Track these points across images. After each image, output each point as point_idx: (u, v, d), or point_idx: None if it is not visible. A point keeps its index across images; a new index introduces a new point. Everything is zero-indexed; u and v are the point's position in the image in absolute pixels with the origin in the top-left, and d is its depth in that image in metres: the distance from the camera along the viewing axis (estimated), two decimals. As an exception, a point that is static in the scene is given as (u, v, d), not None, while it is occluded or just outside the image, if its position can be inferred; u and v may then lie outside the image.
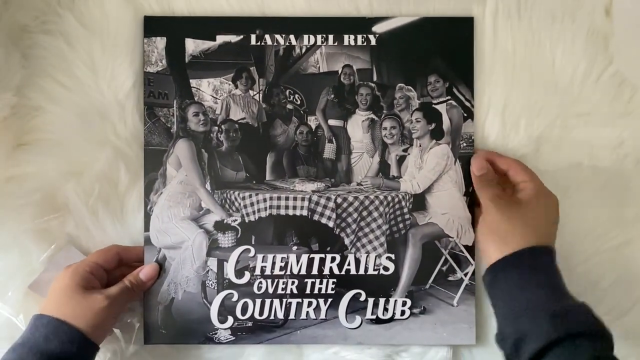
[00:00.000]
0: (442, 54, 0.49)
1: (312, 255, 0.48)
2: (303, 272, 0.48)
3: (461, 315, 0.48)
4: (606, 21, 0.49)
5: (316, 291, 0.48)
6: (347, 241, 0.49)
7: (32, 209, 0.48)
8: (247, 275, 0.48)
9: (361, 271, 0.48)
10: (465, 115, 0.49)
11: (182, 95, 0.49)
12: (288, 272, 0.48)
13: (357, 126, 0.53)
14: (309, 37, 0.48)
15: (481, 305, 0.48)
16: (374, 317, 0.48)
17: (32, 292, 0.47)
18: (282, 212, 0.50)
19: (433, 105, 0.51)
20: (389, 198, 0.49)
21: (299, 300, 0.48)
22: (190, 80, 0.49)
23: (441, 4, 0.49)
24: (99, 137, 0.48)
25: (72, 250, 0.48)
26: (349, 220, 0.49)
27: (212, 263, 0.49)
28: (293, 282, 0.48)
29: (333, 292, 0.48)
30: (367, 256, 0.48)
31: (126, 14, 0.48)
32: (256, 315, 0.48)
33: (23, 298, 0.47)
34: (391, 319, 0.49)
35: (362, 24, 0.49)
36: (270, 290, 0.48)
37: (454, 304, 0.49)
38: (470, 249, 0.48)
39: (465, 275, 0.49)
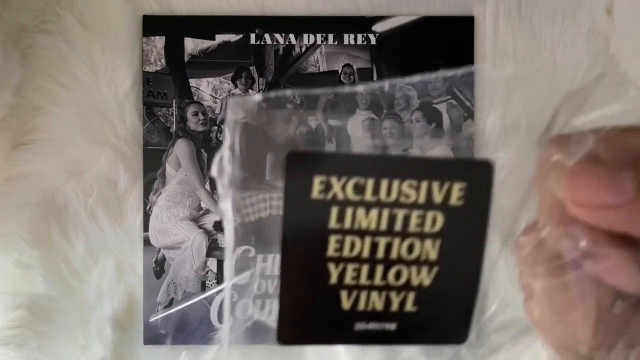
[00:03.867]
0: (442, 53, 0.49)
1: (312, 256, 0.48)
2: (303, 272, 0.48)
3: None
4: (607, 21, 0.49)
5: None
6: (347, 241, 0.49)
7: (32, 210, 0.48)
8: (247, 275, 0.48)
9: (361, 271, 0.48)
10: (465, 115, 0.49)
11: (181, 95, 0.49)
12: (288, 273, 0.48)
13: (357, 126, 0.53)
14: (308, 36, 0.48)
15: (482, 303, 0.48)
16: (374, 317, 0.48)
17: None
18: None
19: (433, 105, 0.50)
20: (390, 198, 0.49)
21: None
22: (190, 80, 0.49)
23: (441, 4, 0.49)
24: (99, 137, 0.48)
25: None
26: (349, 220, 0.49)
27: (212, 263, 0.49)
28: (293, 283, 0.48)
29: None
30: (368, 256, 0.48)
31: (125, 13, 0.48)
32: (256, 316, 0.48)
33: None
34: (391, 319, 0.48)
35: (362, 23, 0.48)
36: (271, 291, 0.48)
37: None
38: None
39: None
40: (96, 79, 0.48)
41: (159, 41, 0.48)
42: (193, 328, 0.48)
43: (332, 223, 0.20)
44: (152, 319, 0.48)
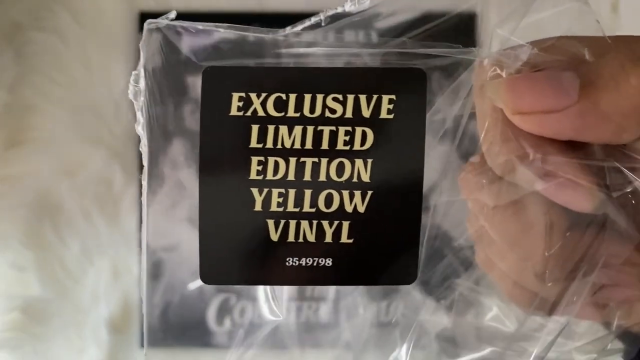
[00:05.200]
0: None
1: (312, 257, 0.47)
2: (303, 274, 0.47)
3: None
4: (613, 18, 0.48)
5: (316, 294, 0.47)
6: (347, 242, 0.48)
7: (26, 210, 0.47)
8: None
9: (362, 273, 0.47)
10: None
11: (178, 93, 0.48)
12: (287, 274, 0.47)
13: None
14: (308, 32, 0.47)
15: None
16: (376, 321, 0.48)
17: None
18: (281, 212, 0.49)
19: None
20: (391, 198, 0.48)
21: (299, 302, 0.47)
22: (187, 77, 0.48)
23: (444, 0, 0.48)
24: (94, 136, 0.47)
25: None
26: (350, 221, 0.48)
27: (210, 265, 0.48)
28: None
29: (334, 295, 0.48)
30: (369, 258, 0.47)
31: (121, 9, 0.47)
32: (255, 319, 0.47)
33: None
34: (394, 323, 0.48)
35: (363, 20, 0.48)
36: (270, 293, 0.47)
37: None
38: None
39: (469, 277, 0.48)
40: (91, 76, 0.47)
41: (156, 38, 0.47)
42: (190, 331, 0.48)
43: (253, 142, 0.19)
44: (149, 322, 0.47)
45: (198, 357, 0.48)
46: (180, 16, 0.51)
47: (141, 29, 0.51)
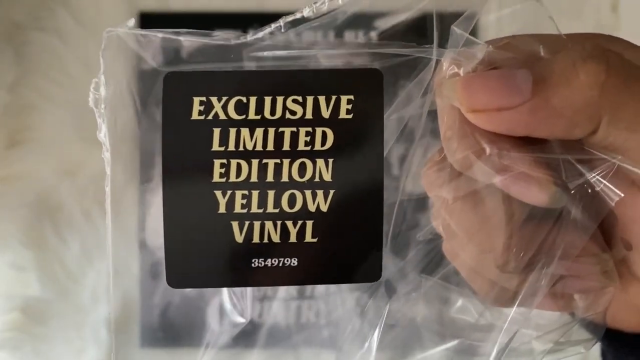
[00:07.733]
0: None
1: (312, 257, 0.47)
2: (303, 274, 0.47)
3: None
4: (613, 17, 0.48)
5: (317, 293, 0.47)
6: (347, 242, 0.48)
7: (26, 210, 0.47)
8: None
9: (362, 273, 0.47)
10: (468, 113, 0.48)
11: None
12: (287, 274, 0.47)
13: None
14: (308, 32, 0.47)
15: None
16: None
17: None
18: (281, 212, 0.49)
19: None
20: (391, 198, 0.48)
21: (300, 302, 0.47)
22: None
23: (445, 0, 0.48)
24: (94, 136, 0.47)
25: None
26: (350, 221, 0.48)
27: (210, 265, 0.48)
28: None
29: (335, 294, 0.48)
30: (369, 258, 0.47)
31: (121, 9, 0.47)
32: (255, 319, 0.47)
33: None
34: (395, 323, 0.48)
35: (363, 20, 0.48)
36: (270, 293, 0.47)
37: (457, 306, 0.48)
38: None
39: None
40: (91, 76, 0.47)
41: (156, 38, 0.47)
42: (190, 330, 0.48)
43: (215, 146, 0.19)
44: (148, 321, 0.47)
45: (198, 355, 0.48)
46: (180, 16, 0.51)
47: (142, 29, 0.51)
